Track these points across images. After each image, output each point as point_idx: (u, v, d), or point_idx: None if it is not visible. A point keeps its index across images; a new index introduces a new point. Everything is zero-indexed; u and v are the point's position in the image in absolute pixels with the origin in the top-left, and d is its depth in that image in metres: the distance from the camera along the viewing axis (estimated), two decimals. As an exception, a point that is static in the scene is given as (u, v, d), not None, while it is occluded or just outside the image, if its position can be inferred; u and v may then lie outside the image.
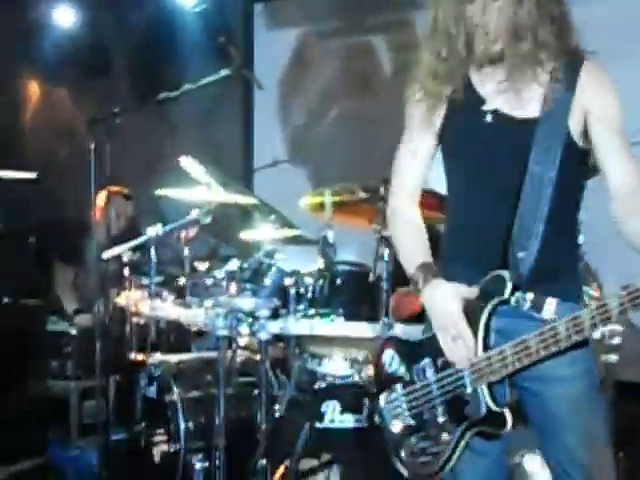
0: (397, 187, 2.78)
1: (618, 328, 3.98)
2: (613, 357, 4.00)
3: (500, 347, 2.31)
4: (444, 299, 2.42)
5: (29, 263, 6.08)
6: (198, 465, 4.43)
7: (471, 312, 2.39)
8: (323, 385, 4.26)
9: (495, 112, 2.47)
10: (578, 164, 2.46)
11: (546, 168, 2.35)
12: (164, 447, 4.63)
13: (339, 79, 6.18)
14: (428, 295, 2.47)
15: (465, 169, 2.62)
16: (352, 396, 4.08)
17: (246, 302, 4.41)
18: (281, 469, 3.98)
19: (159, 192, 4.77)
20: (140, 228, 4.97)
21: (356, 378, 4.22)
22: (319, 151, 6.11)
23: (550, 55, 2.43)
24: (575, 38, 2.46)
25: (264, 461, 4.14)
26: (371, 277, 4.20)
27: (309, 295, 4.37)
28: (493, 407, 2.31)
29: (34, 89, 6.93)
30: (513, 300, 2.33)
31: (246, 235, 4.87)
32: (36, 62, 6.56)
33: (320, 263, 4.42)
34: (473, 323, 2.37)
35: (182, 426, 4.54)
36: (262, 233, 4.75)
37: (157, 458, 4.64)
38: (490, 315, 2.36)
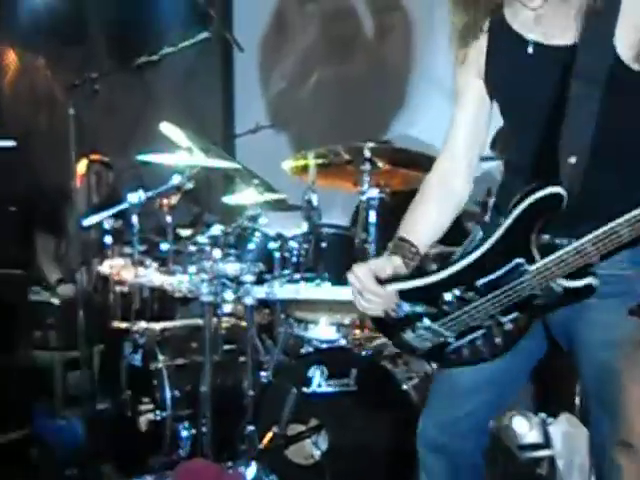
0: (444, 147, 2.69)
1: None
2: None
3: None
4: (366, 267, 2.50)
5: (10, 233, 6.05)
6: (185, 433, 4.51)
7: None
8: (310, 350, 4.30)
9: (534, 44, 2.38)
10: (635, 87, 2.29)
11: (590, 86, 2.24)
12: (150, 416, 4.62)
13: (320, 42, 6.15)
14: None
15: (513, 101, 2.53)
16: (339, 360, 4.07)
17: (230, 267, 4.42)
18: (269, 435, 3.97)
19: (140, 158, 4.75)
20: (121, 196, 4.90)
21: (342, 342, 4.23)
22: (301, 115, 6.08)
23: None
24: None
25: (252, 427, 4.17)
26: (357, 240, 4.20)
27: (294, 259, 4.40)
28: (572, 284, 2.26)
29: (11, 58, 6.85)
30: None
31: (229, 200, 4.89)
32: (13, 31, 6.53)
33: (305, 227, 4.43)
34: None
35: (168, 394, 4.55)
36: (245, 198, 4.75)
37: (143, 427, 4.63)
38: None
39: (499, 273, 2.35)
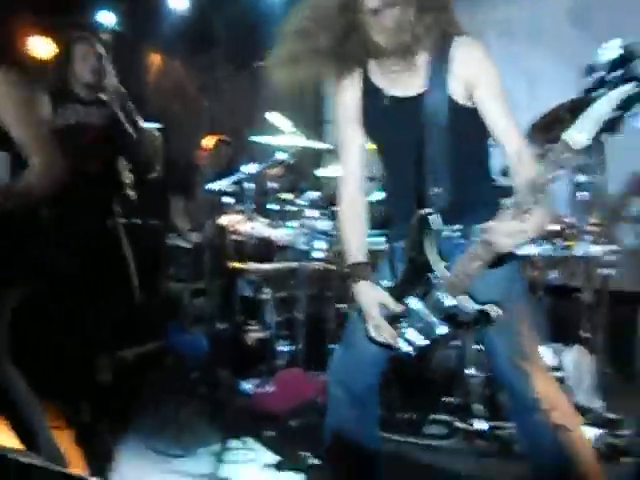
0: (346, 177, 2.58)
1: (614, 247, 3.89)
2: (608, 271, 3.89)
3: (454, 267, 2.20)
4: (368, 301, 2.35)
5: (153, 194, 6.13)
6: (283, 349, 4.56)
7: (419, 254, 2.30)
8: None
9: (390, 97, 2.37)
10: (471, 119, 2.29)
11: (439, 122, 2.26)
12: (257, 334, 4.78)
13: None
14: (357, 292, 2.41)
15: (384, 142, 2.50)
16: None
17: (321, 224, 4.49)
18: None
19: (252, 138, 4.74)
20: (238, 166, 4.93)
21: None
22: None
23: (427, 40, 2.28)
24: (455, 24, 2.34)
25: (333, 346, 4.08)
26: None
27: (375, 217, 4.32)
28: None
29: (156, 59, 6.93)
30: (444, 235, 2.29)
31: (320, 173, 4.87)
32: (157, 38, 6.65)
33: (382, 193, 4.33)
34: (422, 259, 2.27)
35: (271, 318, 4.67)
36: (332, 171, 4.65)
37: (251, 343, 4.78)
38: (436, 244, 2.26)
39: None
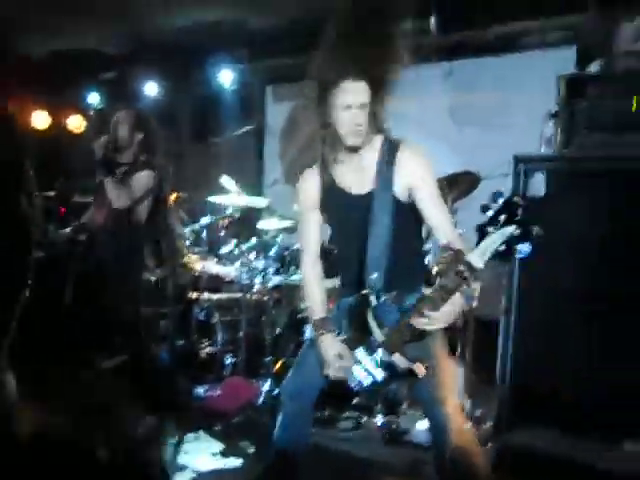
0: (307, 252, 2.53)
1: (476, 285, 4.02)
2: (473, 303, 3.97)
3: (395, 327, 2.23)
4: (328, 351, 2.33)
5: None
6: (228, 361, 4.52)
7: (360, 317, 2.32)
8: (305, 315, 4.04)
9: (343, 192, 2.38)
10: (409, 212, 2.30)
11: (383, 217, 2.26)
12: (208, 349, 4.70)
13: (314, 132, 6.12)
14: (320, 341, 2.37)
15: (336, 227, 2.52)
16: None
17: (260, 263, 4.50)
18: (279, 363, 4.02)
19: (209, 198, 4.78)
20: (196, 218, 4.99)
21: None
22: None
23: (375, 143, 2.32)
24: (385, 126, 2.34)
25: (269, 358, 4.25)
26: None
27: (297, 261, 4.40)
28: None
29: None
30: (382, 301, 2.30)
31: (260, 225, 4.83)
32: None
33: None
34: (364, 323, 2.30)
35: (219, 337, 4.61)
36: (269, 224, 4.70)
37: (203, 356, 4.70)
38: (375, 315, 2.28)
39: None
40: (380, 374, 2.29)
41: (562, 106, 3.32)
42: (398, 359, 2.22)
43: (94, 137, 4.02)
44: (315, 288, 2.50)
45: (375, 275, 2.28)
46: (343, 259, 2.53)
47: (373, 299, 2.29)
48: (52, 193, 5.92)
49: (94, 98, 6.52)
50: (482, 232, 1.92)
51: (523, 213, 1.87)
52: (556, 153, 3.35)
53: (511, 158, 3.30)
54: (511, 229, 1.89)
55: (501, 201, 1.91)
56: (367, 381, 2.32)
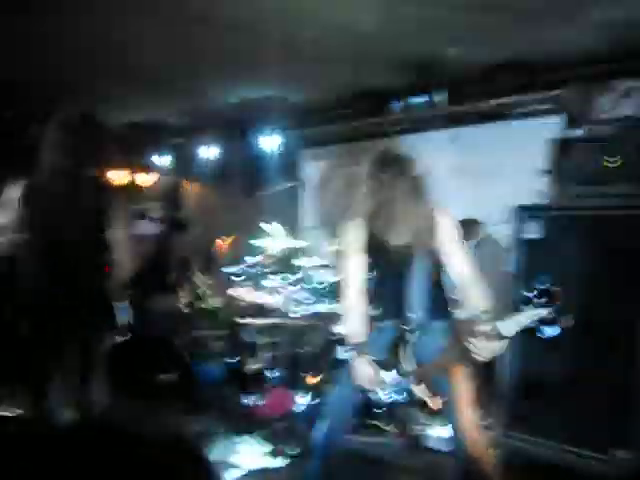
0: (351, 287, 2.50)
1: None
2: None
3: (424, 363, 2.27)
4: (361, 373, 2.34)
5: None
6: (273, 375, 4.44)
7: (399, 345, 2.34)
8: (336, 337, 3.97)
9: (384, 241, 2.37)
10: (436, 254, 2.31)
11: (421, 262, 2.29)
12: (254, 366, 4.58)
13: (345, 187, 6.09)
14: (356, 363, 2.36)
15: (378, 268, 2.47)
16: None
17: (298, 295, 4.51)
18: (315, 378, 4.05)
19: (257, 241, 4.81)
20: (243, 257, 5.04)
21: None
22: (334, 222, 5.81)
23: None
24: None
25: (306, 373, 4.22)
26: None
27: (330, 294, 4.42)
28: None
29: (195, 188, 7.01)
30: (418, 337, 2.31)
31: (299, 263, 4.83)
32: (195, 175, 6.70)
33: (335, 278, 4.37)
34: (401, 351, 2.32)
35: (264, 355, 4.56)
36: (307, 262, 4.68)
37: (250, 371, 4.58)
38: (409, 347, 2.30)
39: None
40: (401, 398, 2.32)
41: (553, 164, 3.36)
42: (421, 390, 2.26)
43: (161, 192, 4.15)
44: (356, 316, 2.47)
45: (414, 315, 2.28)
46: (383, 294, 2.49)
47: (410, 335, 2.30)
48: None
49: (165, 160, 6.69)
50: (518, 308, 1.96)
51: (558, 301, 1.87)
52: (550, 203, 3.38)
53: (507, 207, 3.35)
54: (545, 312, 1.89)
55: (543, 287, 1.92)
56: (389, 402, 2.36)
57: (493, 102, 4.28)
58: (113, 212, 2.79)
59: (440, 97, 4.35)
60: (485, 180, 4.36)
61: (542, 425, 3.16)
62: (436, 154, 4.33)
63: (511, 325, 1.92)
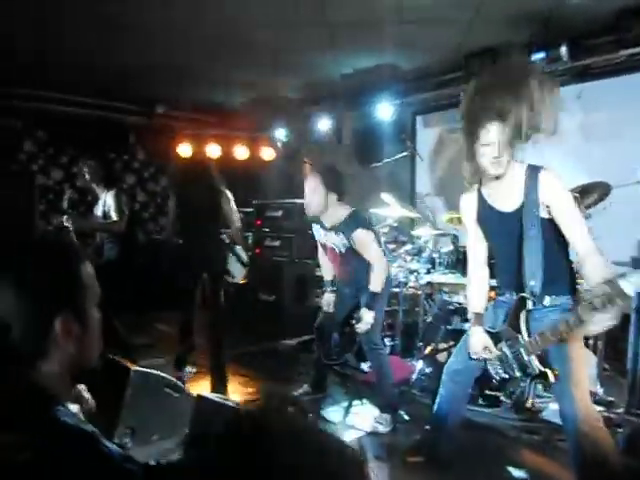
0: (471, 258, 2.59)
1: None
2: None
3: (540, 332, 2.22)
4: (476, 341, 2.41)
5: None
6: (388, 342, 4.47)
7: (514, 317, 2.32)
8: (451, 307, 4.20)
9: (496, 210, 2.37)
10: (553, 225, 2.24)
11: (533, 232, 2.22)
12: None
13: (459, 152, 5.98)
14: (472, 333, 2.44)
15: (493, 238, 2.48)
16: (466, 313, 4.08)
17: (413, 265, 4.52)
18: (429, 348, 4.05)
19: (372, 210, 4.85)
20: None
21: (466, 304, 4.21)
22: (450, 189, 5.57)
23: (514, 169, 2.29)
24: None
25: (421, 343, 4.24)
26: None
27: (445, 263, 4.44)
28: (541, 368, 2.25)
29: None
30: (537, 306, 2.28)
31: (414, 232, 4.83)
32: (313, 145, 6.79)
33: (451, 246, 4.48)
34: (516, 323, 2.30)
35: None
36: (422, 231, 4.65)
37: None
38: (526, 318, 2.29)
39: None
40: (515, 371, 2.31)
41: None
42: (534, 362, 2.24)
43: (281, 164, 4.32)
44: (475, 288, 2.54)
45: (533, 282, 2.25)
46: (500, 265, 2.49)
47: (529, 303, 2.28)
48: (250, 209, 6.45)
49: (281, 133, 6.95)
50: (638, 264, 1.86)
51: None
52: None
53: (636, 168, 3.13)
54: None
55: None
56: (503, 374, 2.37)
57: (623, 53, 3.92)
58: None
59: (562, 51, 4.06)
60: (613, 140, 4.07)
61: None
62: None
63: (632, 284, 1.84)
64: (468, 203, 2.49)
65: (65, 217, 4.29)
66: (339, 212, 3.42)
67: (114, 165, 7.26)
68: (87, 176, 4.56)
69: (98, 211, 4.58)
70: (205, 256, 4.12)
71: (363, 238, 3.37)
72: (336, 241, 3.48)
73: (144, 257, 4.70)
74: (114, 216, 4.41)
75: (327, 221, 3.47)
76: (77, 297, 1.04)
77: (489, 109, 2.20)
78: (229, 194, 4.31)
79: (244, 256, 4.55)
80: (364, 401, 3.94)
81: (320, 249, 3.74)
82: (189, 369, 4.44)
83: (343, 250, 3.46)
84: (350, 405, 3.90)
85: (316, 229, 3.63)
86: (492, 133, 2.21)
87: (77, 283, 1.04)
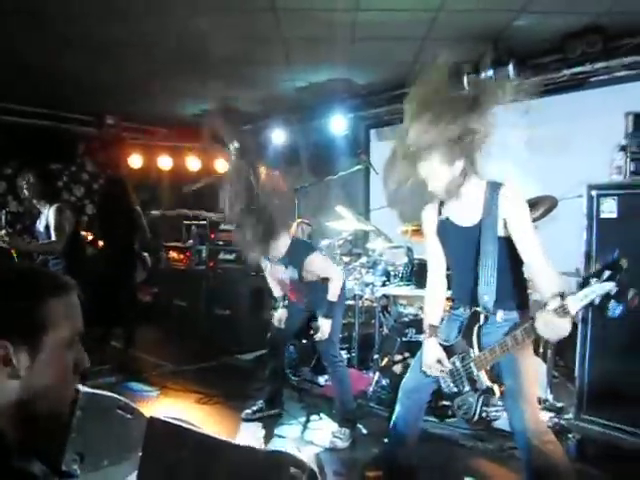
0: (430, 269, 2.54)
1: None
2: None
3: (490, 347, 2.21)
4: (429, 354, 2.39)
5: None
6: (345, 356, 4.29)
7: (467, 331, 2.31)
8: (407, 319, 4.21)
9: (454, 224, 2.35)
10: (509, 242, 2.19)
11: (489, 247, 2.20)
12: None
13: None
14: (425, 344, 2.43)
15: (450, 251, 2.45)
16: (421, 325, 4.10)
17: (369, 278, 4.50)
18: (385, 359, 4.02)
19: (327, 223, 4.85)
20: (316, 241, 5.08)
21: (422, 316, 4.22)
22: (404, 202, 5.84)
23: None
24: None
25: (377, 355, 4.21)
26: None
27: (400, 275, 4.43)
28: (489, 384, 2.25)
29: (263, 170, 7.05)
30: (489, 320, 2.27)
31: (369, 245, 4.85)
32: (264, 158, 6.75)
33: (405, 259, 4.47)
34: (468, 337, 2.29)
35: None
36: (377, 244, 4.66)
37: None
38: (478, 333, 2.28)
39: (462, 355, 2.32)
40: (464, 386, 2.31)
41: (630, 139, 3.20)
42: (483, 376, 2.24)
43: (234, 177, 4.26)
44: (433, 300, 2.52)
45: (487, 297, 2.23)
46: (456, 279, 2.48)
47: (482, 318, 2.28)
48: (203, 222, 6.34)
49: (235, 146, 6.88)
50: (585, 282, 1.86)
51: (624, 276, 1.79)
52: (627, 180, 3.21)
53: (581, 181, 3.24)
54: (610, 285, 1.80)
55: (610, 258, 1.82)
56: (453, 388, 2.36)
57: (566, 72, 4.08)
58: None
59: (509, 69, 4.19)
60: (558, 154, 4.19)
61: (617, 409, 3.08)
62: (507, 129, 4.23)
63: (576, 299, 1.86)
64: (430, 214, 2.47)
65: (1, 234, 4.09)
66: (280, 243, 3.42)
67: (60, 178, 7.02)
68: (25, 192, 4.30)
69: (40, 226, 4.37)
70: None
71: (316, 261, 3.46)
72: (286, 272, 3.53)
73: (90, 272, 4.51)
74: (53, 235, 4.21)
75: (271, 253, 3.48)
76: (24, 327, 0.99)
77: (410, 155, 2.24)
78: (140, 210, 5.24)
79: (148, 261, 5.45)
80: (322, 415, 3.91)
81: (268, 274, 3.79)
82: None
83: (295, 277, 3.50)
84: (308, 420, 3.86)
85: (263, 260, 3.66)
86: (424, 169, 2.24)
87: (27, 314, 0.99)
